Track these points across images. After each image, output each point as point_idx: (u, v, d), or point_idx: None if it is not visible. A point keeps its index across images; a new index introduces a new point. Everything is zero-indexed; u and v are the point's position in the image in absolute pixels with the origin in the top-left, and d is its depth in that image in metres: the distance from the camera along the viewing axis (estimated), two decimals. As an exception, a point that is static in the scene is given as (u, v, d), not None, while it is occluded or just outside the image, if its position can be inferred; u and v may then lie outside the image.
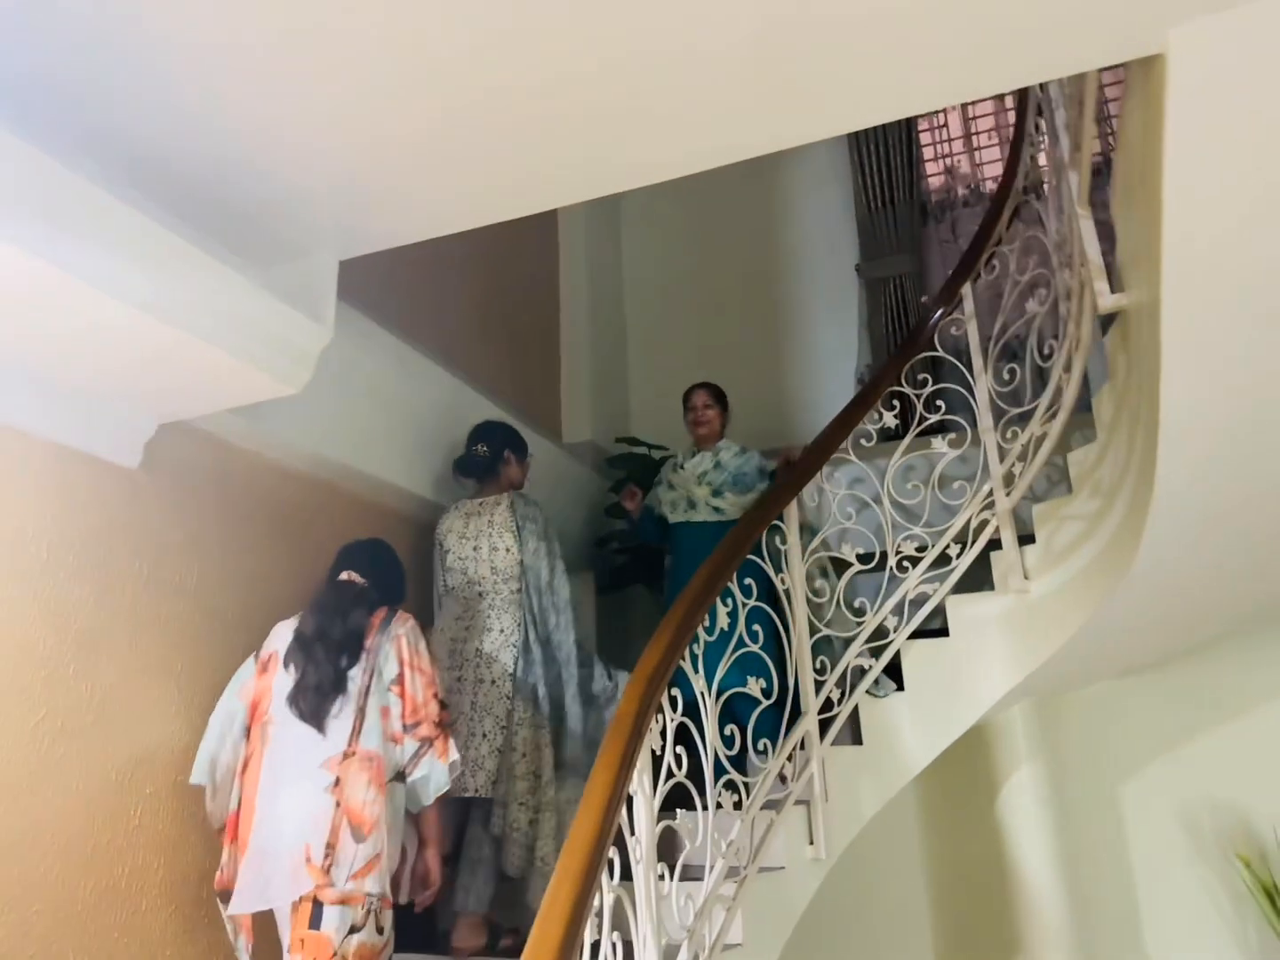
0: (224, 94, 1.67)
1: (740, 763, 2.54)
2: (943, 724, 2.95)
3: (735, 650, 2.66)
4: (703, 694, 2.46)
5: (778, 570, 2.92)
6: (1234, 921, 3.38)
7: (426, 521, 3.18)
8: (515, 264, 4.20)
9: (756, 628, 2.76)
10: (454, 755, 2.21)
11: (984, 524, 2.98)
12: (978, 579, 3.15)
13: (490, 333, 3.85)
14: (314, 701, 2.10)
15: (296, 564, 2.62)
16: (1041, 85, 2.82)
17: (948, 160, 4.65)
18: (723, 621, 2.66)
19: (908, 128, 4.52)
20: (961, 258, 3.23)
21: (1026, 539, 2.97)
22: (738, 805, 2.48)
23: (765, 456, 3.58)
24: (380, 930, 2.00)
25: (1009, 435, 2.99)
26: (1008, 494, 2.96)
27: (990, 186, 4.51)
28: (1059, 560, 2.86)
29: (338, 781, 2.03)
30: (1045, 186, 2.92)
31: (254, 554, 2.49)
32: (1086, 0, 1.53)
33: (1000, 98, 4.57)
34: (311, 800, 1.99)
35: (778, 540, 2.98)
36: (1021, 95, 2.99)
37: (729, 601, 2.70)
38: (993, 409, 3.07)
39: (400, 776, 2.15)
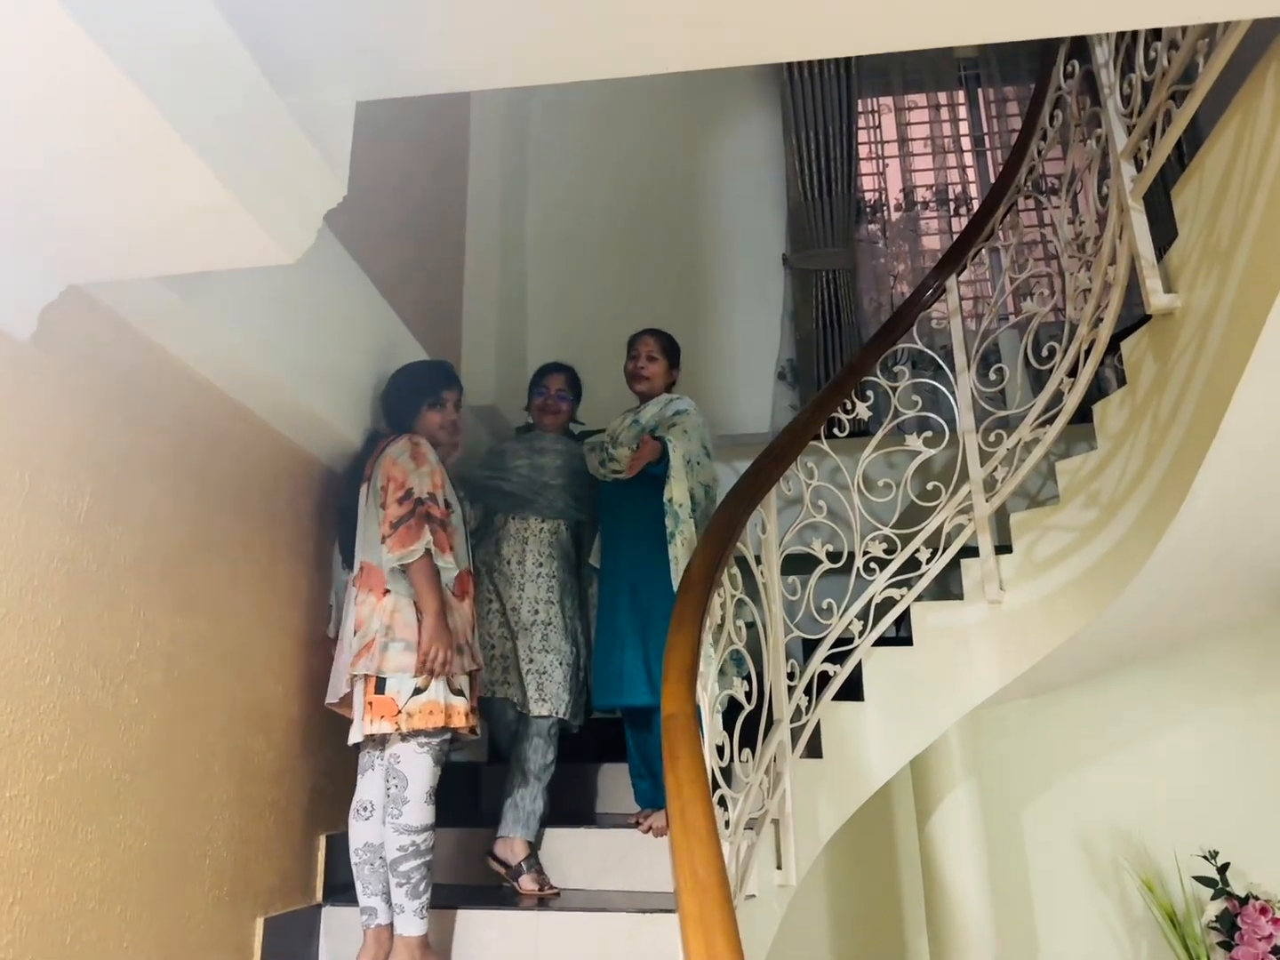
0: None
1: (727, 776, 2.21)
2: (905, 737, 2.75)
3: (728, 647, 2.33)
4: (701, 695, 2.11)
5: (758, 563, 2.62)
6: (1127, 947, 3.39)
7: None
8: (425, 221, 3.67)
9: (740, 623, 2.44)
10: (404, 550, 2.29)
11: (959, 528, 2.82)
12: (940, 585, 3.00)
13: (400, 278, 3.28)
14: (346, 548, 2.46)
15: (196, 498, 2.01)
16: (1072, 73, 2.70)
17: (881, 163, 4.54)
18: (715, 615, 2.32)
19: (849, 120, 4.35)
20: (949, 249, 3.06)
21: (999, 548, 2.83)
22: (726, 824, 2.15)
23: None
24: (458, 692, 2.31)
25: (992, 439, 2.84)
26: (987, 499, 2.81)
27: (923, 194, 4.44)
28: (1039, 571, 2.73)
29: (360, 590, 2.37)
30: (1063, 182, 2.79)
31: (155, 479, 1.88)
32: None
33: (937, 106, 4.53)
34: (356, 608, 2.34)
35: (759, 531, 2.67)
36: (1040, 84, 2.86)
37: (720, 592, 2.36)
38: (975, 410, 2.92)
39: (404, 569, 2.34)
